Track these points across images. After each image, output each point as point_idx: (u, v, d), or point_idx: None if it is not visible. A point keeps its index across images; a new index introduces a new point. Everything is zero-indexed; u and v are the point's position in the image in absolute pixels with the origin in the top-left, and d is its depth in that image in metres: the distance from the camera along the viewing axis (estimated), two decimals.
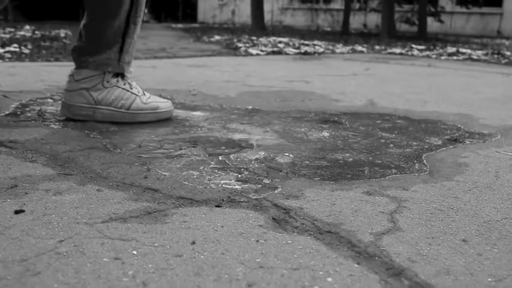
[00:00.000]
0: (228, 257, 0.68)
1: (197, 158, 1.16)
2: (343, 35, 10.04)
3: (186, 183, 0.99)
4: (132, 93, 1.52)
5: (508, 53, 5.82)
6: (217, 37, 7.63)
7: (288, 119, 1.66)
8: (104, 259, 0.66)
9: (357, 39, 8.51)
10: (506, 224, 0.84)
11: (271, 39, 7.26)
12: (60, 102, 1.70)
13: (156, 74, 2.81)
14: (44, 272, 0.62)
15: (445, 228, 0.81)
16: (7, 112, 1.58)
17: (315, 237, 0.76)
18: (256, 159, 1.17)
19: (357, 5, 14.25)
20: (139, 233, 0.75)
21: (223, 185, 0.98)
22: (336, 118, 1.71)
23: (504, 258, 0.71)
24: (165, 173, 1.04)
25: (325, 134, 1.46)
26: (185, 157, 1.17)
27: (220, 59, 4.06)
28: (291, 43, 6.46)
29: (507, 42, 9.47)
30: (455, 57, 5.17)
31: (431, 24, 12.65)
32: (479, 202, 0.94)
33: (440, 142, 1.41)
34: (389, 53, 5.54)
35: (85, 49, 1.48)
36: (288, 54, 4.95)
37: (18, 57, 3.59)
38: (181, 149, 1.23)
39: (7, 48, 4.07)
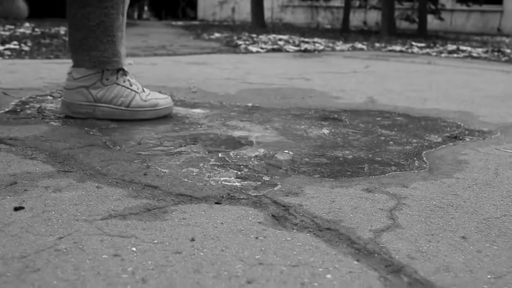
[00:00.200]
0: (227, 253, 0.68)
1: (197, 155, 1.16)
2: (343, 32, 10.03)
3: (186, 180, 0.98)
4: (131, 90, 1.51)
5: (508, 51, 5.81)
6: (217, 34, 7.62)
7: (287, 116, 1.66)
8: (104, 256, 0.66)
9: (357, 36, 8.50)
10: (506, 221, 0.84)
11: (271, 36, 7.25)
12: (59, 99, 1.70)
13: (156, 71, 2.81)
14: (44, 269, 0.62)
15: (445, 225, 0.81)
16: (7, 109, 1.58)
17: (314, 234, 0.76)
18: (256, 156, 1.17)
19: (357, 3, 14.24)
20: (139, 229, 0.75)
21: (222, 182, 0.98)
22: (335, 115, 1.71)
23: (503, 255, 0.71)
24: (165, 170, 1.04)
25: (325, 131, 1.46)
26: (185, 154, 1.17)
27: (220, 57, 4.06)
28: (291, 40, 6.45)
29: (507, 40, 9.46)
30: (455, 55, 5.16)
31: (432, 22, 12.64)
32: (478, 199, 0.94)
33: (440, 139, 1.41)
34: (390, 51, 5.54)
35: (79, 44, 1.48)
36: (288, 51, 4.95)
37: (18, 54, 3.59)
38: (181, 146, 1.23)
39: (7, 46, 4.06)
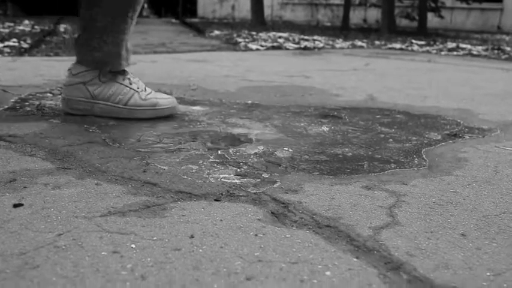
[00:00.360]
0: (226, 250, 0.68)
1: (196, 152, 1.16)
2: (343, 30, 10.02)
3: (185, 177, 0.98)
4: (130, 88, 1.51)
5: (508, 49, 5.81)
6: (217, 32, 7.61)
7: (287, 114, 1.66)
8: (103, 253, 0.66)
9: (357, 34, 8.50)
10: (505, 219, 0.84)
11: (271, 34, 7.25)
12: (59, 96, 1.70)
13: (156, 69, 2.81)
14: (43, 266, 0.62)
15: (444, 223, 0.81)
16: (6, 106, 1.58)
17: (313, 231, 0.76)
18: (256, 153, 1.17)
19: (357, 0, 14.22)
20: (138, 226, 0.75)
21: (222, 179, 0.98)
22: (335, 113, 1.71)
23: (503, 253, 0.71)
24: (164, 167, 1.04)
25: (325, 128, 1.46)
26: (184, 151, 1.17)
27: (220, 54, 4.05)
28: (290, 38, 6.45)
29: (507, 38, 9.46)
30: (455, 53, 5.16)
31: (432, 20, 12.61)
32: (478, 197, 0.94)
33: (439, 137, 1.41)
34: (389, 48, 5.53)
35: (84, 44, 1.48)
36: (287, 49, 4.95)
37: (17, 51, 3.58)
38: (181, 144, 1.23)
39: (6, 43, 4.06)
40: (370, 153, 1.22)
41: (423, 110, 1.83)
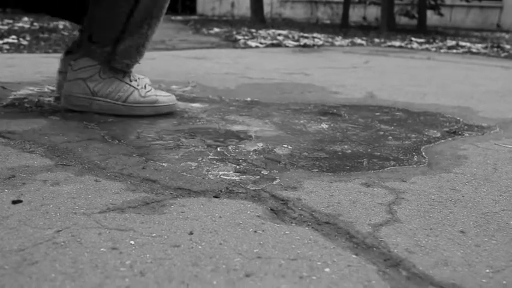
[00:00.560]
0: (225, 247, 0.68)
1: (195, 149, 1.16)
2: (343, 27, 10.01)
3: (184, 174, 0.98)
4: (130, 85, 1.50)
5: (508, 47, 5.81)
6: (216, 29, 7.61)
7: (287, 111, 1.66)
8: (102, 249, 0.66)
9: (357, 32, 8.49)
10: (505, 216, 0.84)
11: (271, 31, 7.24)
12: (58, 94, 1.70)
13: (155, 66, 2.81)
14: (41, 262, 0.62)
15: (443, 220, 0.81)
16: (5, 103, 1.58)
17: (313, 228, 0.76)
18: (255, 150, 1.17)
19: None
20: (137, 223, 0.75)
21: (221, 176, 0.98)
22: (335, 110, 1.71)
23: (502, 250, 0.71)
24: (163, 164, 1.04)
25: (324, 126, 1.46)
26: (183, 148, 1.16)
27: (219, 51, 4.05)
28: (290, 36, 6.44)
29: (507, 36, 9.46)
30: (454, 51, 5.16)
31: (431, 17, 12.61)
32: (477, 194, 0.94)
33: (439, 134, 1.41)
34: (389, 46, 5.53)
35: (97, 42, 1.48)
36: (287, 46, 4.94)
37: (16, 48, 3.58)
38: (180, 140, 1.23)
39: (5, 40, 4.05)
40: (369, 150, 1.22)
41: (423, 107, 1.83)
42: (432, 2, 11.41)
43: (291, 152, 1.17)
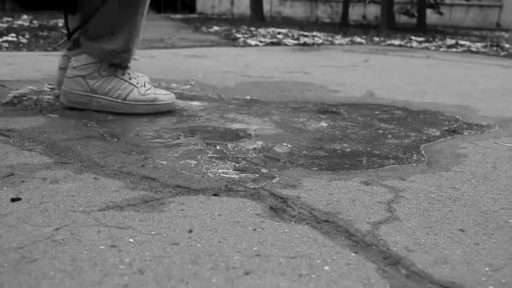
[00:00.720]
0: (225, 245, 0.68)
1: (195, 147, 1.16)
2: (342, 26, 10.00)
3: (184, 172, 0.98)
4: (130, 83, 1.50)
5: (507, 46, 5.81)
6: (216, 28, 7.60)
7: (286, 109, 1.66)
8: (101, 247, 0.66)
9: (356, 30, 8.49)
10: (504, 214, 0.84)
11: (270, 30, 7.23)
12: (57, 91, 1.70)
13: (155, 64, 2.80)
14: (41, 260, 0.62)
15: (443, 218, 0.81)
16: (4, 101, 1.58)
17: (312, 226, 0.76)
18: (254, 148, 1.17)
19: None
20: (136, 221, 0.75)
21: (220, 174, 0.98)
22: (334, 109, 1.71)
23: (501, 248, 0.71)
24: (163, 162, 1.04)
25: (324, 124, 1.46)
26: (183, 146, 1.16)
27: (219, 50, 4.05)
28: (290, 34, 6.44)
29: (506, 35, 9.45)
30: (454, 49, 5.16)
31: (431, 16, 12.60)
32: (477, 192, 0.94)
33: (438, 133, 1.41)
34: (389, 45, 5.53)
35: (93, 37, 1.47)
36: (287, 45, 4.94)
37: (15, 46, 3.57)
38: (179, 139, 1.23)
39: (4, 38, 4.05)
40: (368, 149, 1.22)
41: (422, 106, 1.83)
42: (432, 1, 11.40)
43: (290, 151, 1.17)
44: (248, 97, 1.86)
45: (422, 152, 1.21)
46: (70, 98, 1.47)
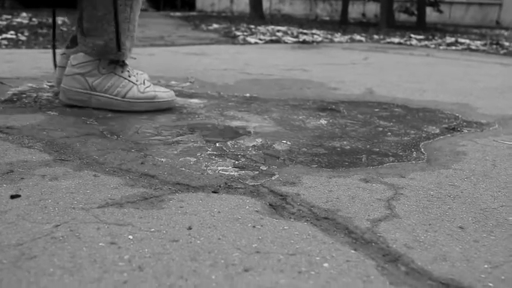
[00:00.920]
0: (224, 242, 0.68)
1: (194, 144, 1.16)
2: (342, 24, 10.00)
3: (183, 169, 0.98)
4: (129, 81, 1.50)
5: (507, 44, 5.81)
6: (215, 25, 7.59)
7: (285, 107, 1.65)
8: (100, 244, 0.66)
9: (356, 28, 8.48)
10: (503, 212, 0.84)
11: (270, 27, 7.23)
12: (56, 88, 1.70)
13: (154, 62, 2.80)
14: (40, 256, 0.62)
15: (442, 215, 0.81)
16: (3, 98, 1.58)
17: (311, 223, 0.76)
18: (254, 146, 1.17)
19: None
20: (136, 218, 0.75)
21: (220, 171, 0.98)
22: (334, 106, 1.71)
23: (500, 245, 0.71)
24: (162, 159, 1.04)
25: (323, 121, 1.46)
26: (182, 144, 1.16)
27: (218, 47, 4.04)
28: (289, 32, 6.43)
29: (506, 33, 9.45)
30: (453, 47, 5.16)
31: (430, 14, 12.60)
32: (476, 190, 0.94)
33: (438, 131, 1.41)
34: (388, 43, 5.52)
35: (85, 33, 1.48)
36: (286, 43, 4.93)
37: (15, 44, 3.57)
38: (179, 136, 1.23)
39: (4, 35, 4.04)
40: (368, 146, 1.21)
41: (421, 103, 1.83)
42: None
43: (289, 148, 1.17)
44: (248, 94, 1.86)
45: (422, 149, 1.21)
46: (69, 95, 1.47)
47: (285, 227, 0.74)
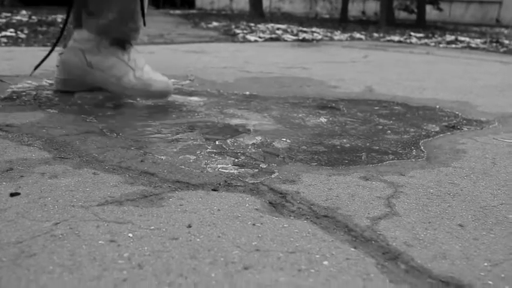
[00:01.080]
0: (224, 240, 0.68)
1: (194, 142, 1.16)
2: (342, 22, 9.99)
3: (183, 167, 0.98)
4: (127, 65, 1.49)
5: (507, 42, 5.80)
6: (215, 23, 7.59)
7: (285, 105, 1.65)
8: (100, 241, 0.66)
9: (356, 26, 8.47)
10: (503, 210, 0.84)
11: (270, 25, 7.22)
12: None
13: (154, 60, 2.80)
14: (39, 254, 0.62)
15: (442, 213, 0.81)
16: (3, 96, 1.58)
17: (311, 221, 0.76)
18: (253, 144, 1.17)
19: None
20: (135, 216, 0.75)
21: (219, 169, 0.98)
22: (333, 104, 1.71)
23: (500, 243, 0.71)
24: (162, 157, 1.04)
25: (323, 119, 1.46)
26: (182, 141, 1.16)
27: (218, 45, 4.04)
28: (289, 30, 6.43)
29: (506, 31, 9.44)
30: (453, 46, 5.15)
31: (430, 12, 12.59)
32: (476, 188, 0.94)
33: (438, 129, 1.41)
34: (388, 41, 5.52)
35: (91, 14, 1.49)
36: (286, 40, 4.93)
37: (14, 42, 3.57)
38: (178, 134, 1.23)
39: (3, 33, 4.04)
40: (368, 144, 1.21)
41: (421, 101, 1.83)
42: None
43: (289, 146, 1.17)
44: (247, 92, 1.86)
45: (422, 147, 1.21)
46: (67, 69, 1.48)
47: (285, 225, 0.74)
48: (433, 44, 5.30)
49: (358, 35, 6.08)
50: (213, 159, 1.04)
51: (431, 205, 0.84)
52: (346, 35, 5.99)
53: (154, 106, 1.53)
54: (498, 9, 14.11)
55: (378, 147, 1.19)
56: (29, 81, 1.85)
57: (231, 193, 0.86)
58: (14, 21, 5.81)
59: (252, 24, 7.41)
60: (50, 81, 1.86)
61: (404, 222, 0.77)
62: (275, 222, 0.75)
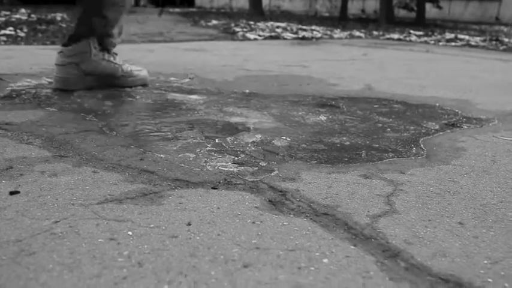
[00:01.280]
0: (223, 238, 0.68)
1: (193, 140, 1.16)
2: (341, 20, 9.98)
3: (182, 165, 0.98)
4: (115, 64, 1.80)
5: (506, 40, 5.80)
6: (214, 22, 7.58)
7: (285, 103, 1.65)
8: (99, 240, 0.66)
9: (355, 24, 8.47)
10: (502, 208, 0.84)
11: (269, 24, 7.22)
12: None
13: (154, 58, 2.80)
14: (39, 252, 0.62)
15: (442, 211, 0.81)
16: (2, 95, 1.57)
17: (311, 219, 0.76)
18: (253, 142, 1.17)
19: None
20: (135, 214, 0.75)
21: (219, 168, 0.98)
22: (333, 102, 1.70)
23: (500, 241, 0.71)
24: (161, 155, 1.04)
25: (323, 118, 1.46)
26: (181, 140, 1.16)
27: (217, 44, 4.04)
28: (288, 28, 6.42)
29: (505, 29, 9.44)
30: (453, 43, 5.15)
31: (430, 10, 12.59)
32: (476, 186, 0.94)
33: (437, 127, 1.40)
34: (388, 39, 5.52)
35: (75, 21, 1.72)
36: (285, 39, 4.93)
37: (13, 40, 3.56)
38: (178, 132, 1.23)
39: (2, 31, 4.03)
40: (368, 142, 1.21)
41: (421, 99, 1.83)
42: None
43: (289, 144, 1.17)
44: (247, 91, 1.86)
45: (422, 145, 1.21)
46: (66, 82, 1.69)
47: (285, 223, 0.74)
48: (432, 42, 5.30)
49: (357, 33, 6.08)
50: (213, 158, 1.04)
51: (431, 203, 0.84)
52: (345, 33, 5.99)
53: (153, 104, 1.53)
54: (498, 7, 14.10)
55: (377, 145, 1.19)
56: (28, 80, 1.85)
57: (230, 191, 0.86)
58: (13, 19, 5.81)
59: (252, 23, 7.40)
60: (49, 80, 1.86)
61: (404, 220, 0.77)
62: (275, 220, 0.75)
